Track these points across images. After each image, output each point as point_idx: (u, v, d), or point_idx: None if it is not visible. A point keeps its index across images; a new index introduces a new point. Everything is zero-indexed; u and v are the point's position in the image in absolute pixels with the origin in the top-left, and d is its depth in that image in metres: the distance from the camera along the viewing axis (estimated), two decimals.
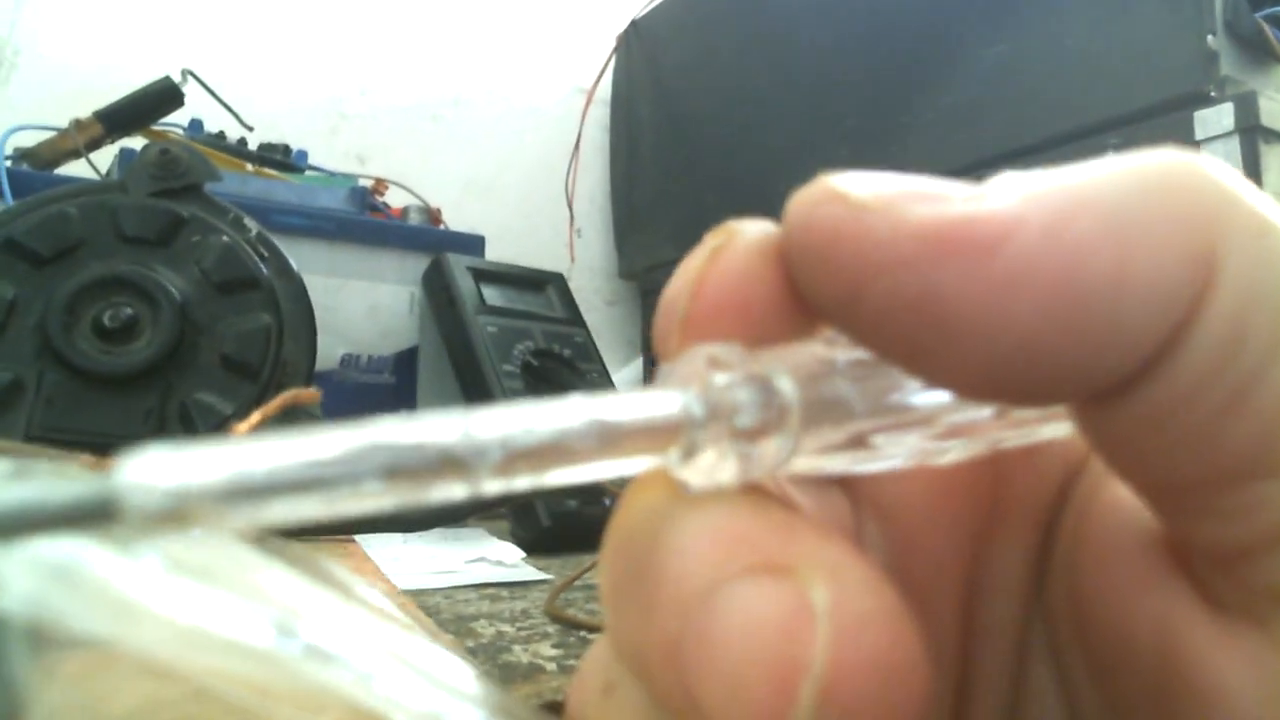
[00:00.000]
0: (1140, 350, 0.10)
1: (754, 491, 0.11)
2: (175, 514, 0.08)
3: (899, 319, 0.10)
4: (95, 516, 0.08)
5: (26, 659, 0.08)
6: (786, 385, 0.11)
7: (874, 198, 0.10)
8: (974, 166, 0.69)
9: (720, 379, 0.11)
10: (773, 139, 0.89)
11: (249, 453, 0.08)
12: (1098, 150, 0.11)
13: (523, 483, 0.10)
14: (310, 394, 0.22)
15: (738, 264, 0.12)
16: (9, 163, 0.65)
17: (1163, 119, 0.58)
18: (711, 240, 0.12)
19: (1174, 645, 0.11)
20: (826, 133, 0.82)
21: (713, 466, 0.11)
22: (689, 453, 0.10)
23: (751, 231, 0.12)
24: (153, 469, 0.08)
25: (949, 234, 0.10)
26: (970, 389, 0.11)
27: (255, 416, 0.19)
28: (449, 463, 0.09)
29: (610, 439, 0.10)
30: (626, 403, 0.10)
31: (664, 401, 0.10)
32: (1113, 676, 0.12)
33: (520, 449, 0.09)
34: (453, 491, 0.09)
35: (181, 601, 0.09)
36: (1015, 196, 0.10)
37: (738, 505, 0.11)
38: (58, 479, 0.11)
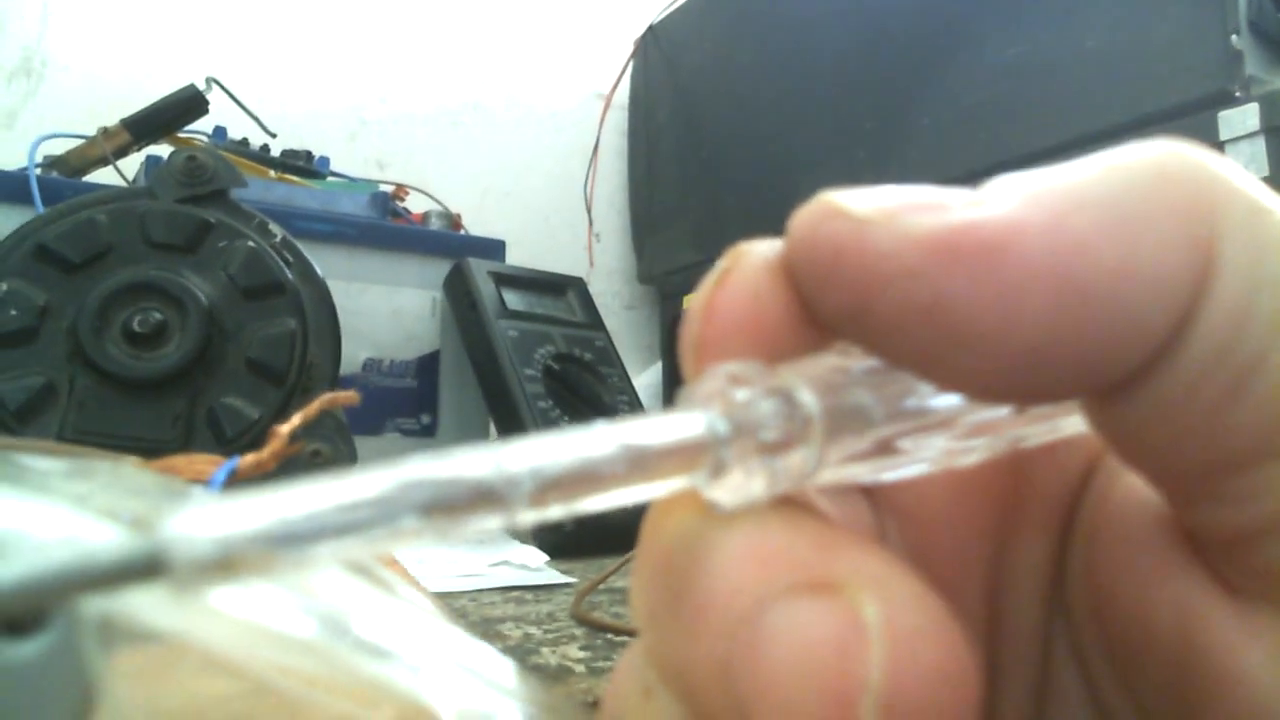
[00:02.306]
0: (1149, 342, 0.10)
1: (786, 505, 0.11)
2: (222, 564, 0.08)
3: (909, 328, 0.10)
4: (144, 572, 0.08)
5: (98, 652, 0.08)
6: (807, 396, 0.11)
7: (876, 211, 0.10)
8: (993, 169, 0.69)
9: (741, 395, 0.11)
10: (790, 142, 0.89)
11: (289, 499, 0.08)
12: None
13: (556, 511, 0.10)
14: (348, 395, 0.22)
15: (746, 284, 0.12)
16: (39, 170, 0.66)
17: (1186, 120, 0.57)
18: (721, 263, 0.12)
19: (1193, 632, 0.11)
20: (844, 135, 0.82)
21: (741, 483, 0.11)
22: (717, 471, 0.11)
23: (759, 251, 0.12)
24: (197, 521, 0.08)
25: (954, 241, 0.10)
26: (983, 392, 0.11)
27: (296, 419, 0.20)
28: (483, 496, 0.09)
29: (639, 463, 0.10)
30: (652, 426, 0.10)
31: (688, 422, 0.10)
32: (1134, 667, 0.12)
33: (551, 478, 0.10)
34: (488, 524, 0.09)
35: (240, 597, 0.10)
36: (1015, 199, 0.10)
37: (772, 521, 0.11)
38: (116, 483, 0.12)
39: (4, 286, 0.49)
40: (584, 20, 1.21)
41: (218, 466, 0.19)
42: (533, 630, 0.37)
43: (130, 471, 0.12)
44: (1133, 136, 0.11)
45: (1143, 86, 0.60)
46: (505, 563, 0.53)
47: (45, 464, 0.12)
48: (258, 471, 0.19)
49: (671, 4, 1.09)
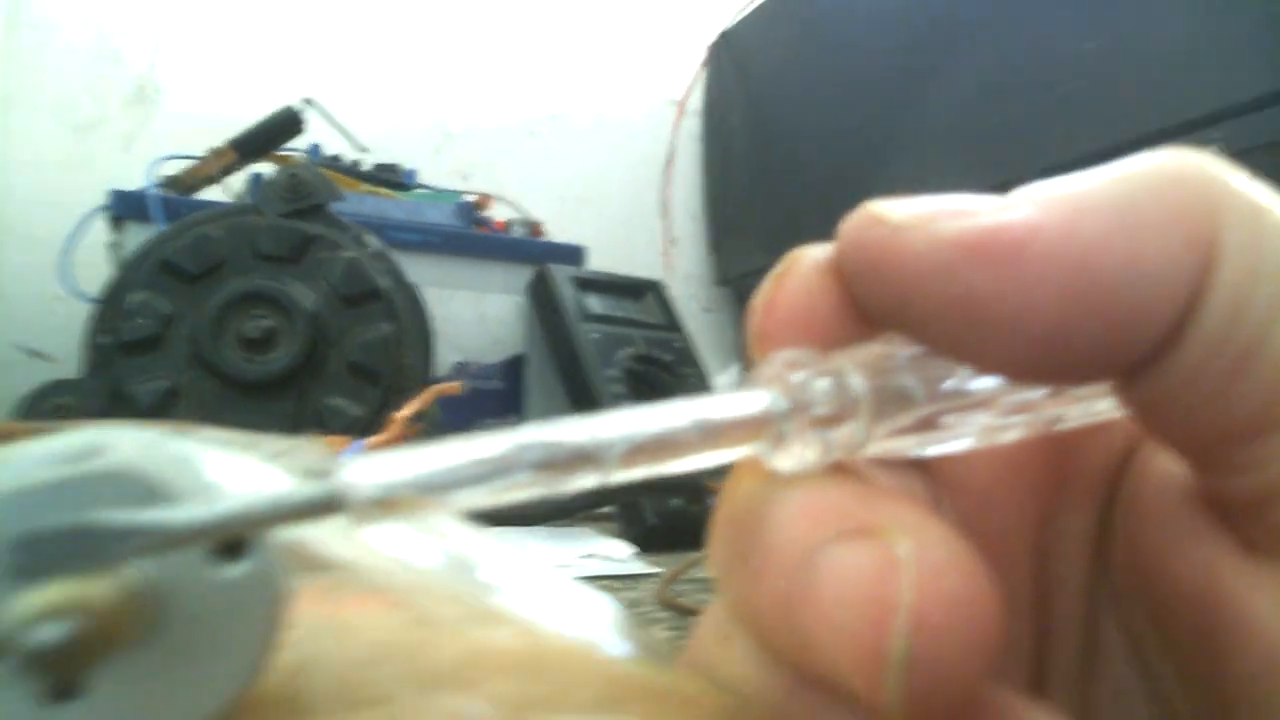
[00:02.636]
0: (1156, 327, 0.11)
1: (837, 471, 0.13)
2: (385, 504, 0.10)
3: (944, 318, 0.12)
4: (325, 508, 0.10)
5: (287, 576, 0.11)
6: (855, 377, 0.13)
7: (912, 217, 0.12)
8: (1071, 164, 0.69)
9: (797, 376, 0.13)
10: (864, 143, 0.89)
11: (433, 455, 0.11)
12: (1202, 146, 0.12)
13: (640, 472, 0.12)
14: (452, 386, 0.24)
15: (802, 283, 0.14)
16: (156, 190, 0.71)
17: (1267, 111, 0.56)
18: (779, 265, 0.14)
19: (1216, 589, 0.12)
20: (917, 135, 0.82)
21: (799, 452, 0.13)
22: (777, 442, 0.12)
23: (812, 255, 0.14)
24: (365, 470, 0.10)
25: (979, 242, 0.12)
26: (1014, 373, 0.12)
27: (413, 405, 0.22)
28: (583, 457, 0.11)
29: (710, 433, 0.12)
30: (721, 402, 0.12)
31: (752, 400, 0.12)
32: (1170, 623, 0.14)
33: (638, 444, 0.12)
34: (586, 481, 0.11)
35: (387, 537, 0.12)
36: (1034, 204, 0.12)
37: (825, 482, 0.12)
38: (282, 451, 0.14)
39: (135, 298, 0.53)
40: (657, 29, 1.23)
41: (346, 447, 0.22)
42: None
43: (287, 442, 0.15)
44: (1213, 131, 0.13)
45: (1221, 80, 0.59)
46: (593, 555, 0.55)
47: (218, 436, 0.14)
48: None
49: (743, 10, 1.10)
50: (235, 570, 0.10)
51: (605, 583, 0.48)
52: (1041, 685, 0.16)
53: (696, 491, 0.64)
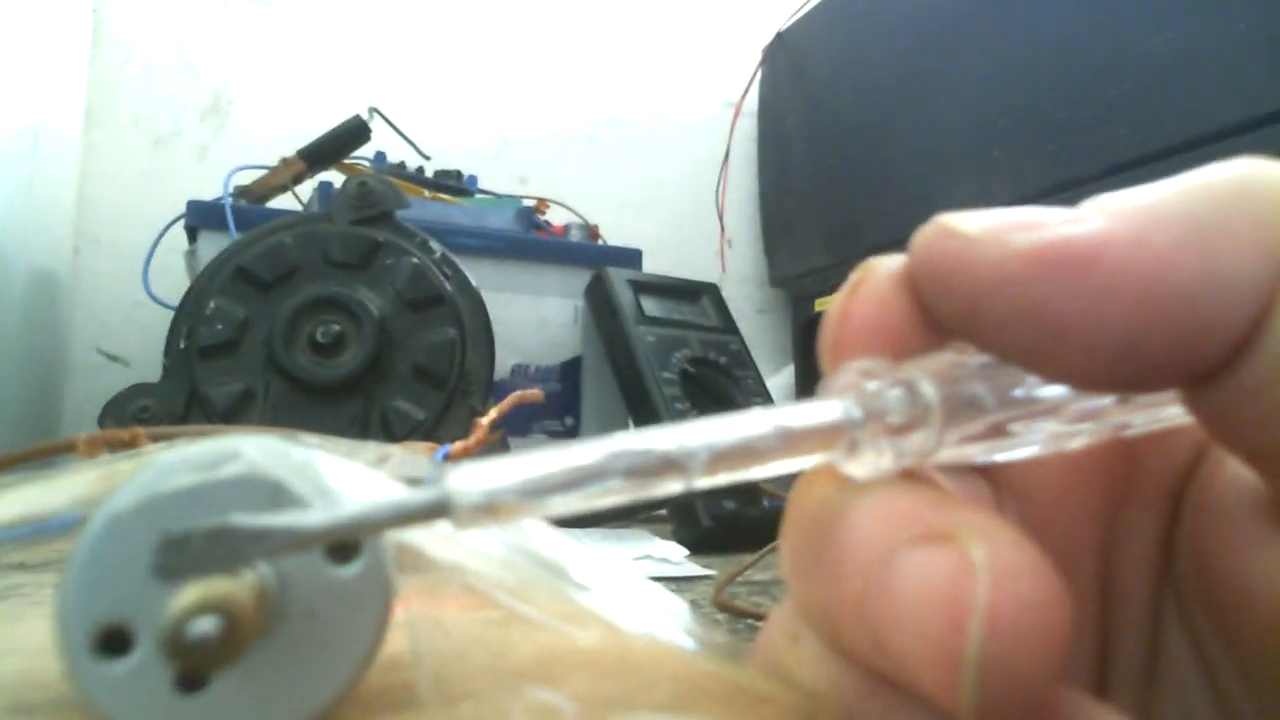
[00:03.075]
0: (1227, 338, 0.11)
1: (909, 477, 0.13)
2: (489, 510, 0.11)
3: (1013, 328, 0.12)
4: (433, 514, 0.11)
5: (395, 575, 0.12)
6: (927, 387, 0.13)
7: (983, 230, 0.13)
8: (1141, 161, 0.67)
9: (871, 386, 0.13)
10: (920, 145, 0.89)
11: (532, 463, 0.11)
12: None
13: (723, 479, 0.13)
14: (534, 394, 0.25)
15: (874, 294, 0.14)
16: (230, 199, 0.74)
17: None
18: (853, 276, 0.15)
19: None
20: (977, 136, 0.81)
21: (872, 459, 0.13)
22: (851, 449, 0.13)
23: (885, 266, 0.14)
24: (470, 478, 0.11)
25: (1048, 254, 0.12)
26: (1081, 382, 0.13)
27: (494, 412, 0.23)
28: (670, 464, 0.12)
29: (788, 441, 0.13)
30: (799, 411, 0.13)
31: (828, 409, 0.13)
32: (1234, 626, 0.14)
33: (721, 451, 0.12)
34: (672, 487, 0.12)
35: (484, 541, 0.13)
36: (1105, 216, 0.12)
37: (898, 488, 0.13)
38: (383, 459, 0.15)
39: (213, 304, 0.56)
40: (712, 30, 1.24)
41: (432, 453, 0.23)
42: None
43: (388, 448, 0.16)
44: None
45: None
46: (648, 556, 0.56)
47: (321, 443, 0.15)
48: (465, 455, 0.23)
49: (799, 11, 1.10)
50: (349, 570, 0.11)
51: (659, 585, 0.49)
52: (1105, 690, 0.16)
53: (750, 494, 0.64)
